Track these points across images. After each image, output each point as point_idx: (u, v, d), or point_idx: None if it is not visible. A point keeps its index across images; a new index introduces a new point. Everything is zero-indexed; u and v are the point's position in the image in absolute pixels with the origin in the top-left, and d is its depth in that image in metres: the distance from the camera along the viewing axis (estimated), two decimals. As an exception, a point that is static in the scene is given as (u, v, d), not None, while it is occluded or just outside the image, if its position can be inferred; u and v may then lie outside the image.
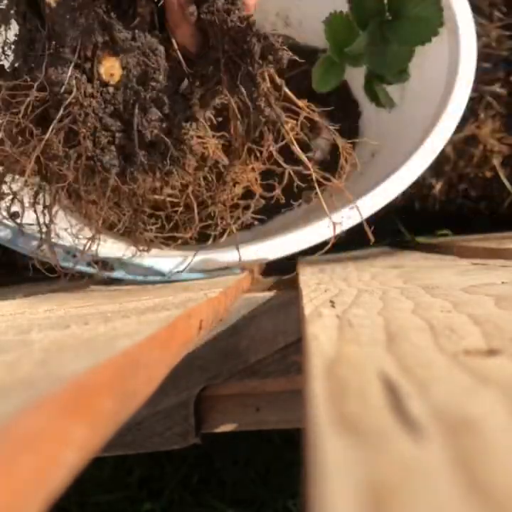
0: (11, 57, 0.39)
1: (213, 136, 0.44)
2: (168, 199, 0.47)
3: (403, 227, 0.80)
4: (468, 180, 0.84)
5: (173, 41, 0.38)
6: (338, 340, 0.19)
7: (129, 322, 0.23)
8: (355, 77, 0.67)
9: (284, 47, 0.37)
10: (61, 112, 0.36)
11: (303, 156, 0.39)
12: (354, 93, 0.78)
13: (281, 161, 0.42)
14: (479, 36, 0.75)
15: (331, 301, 0.28)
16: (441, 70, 0.59)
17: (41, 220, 0.41)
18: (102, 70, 0.37)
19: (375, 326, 0.21)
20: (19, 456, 0.10)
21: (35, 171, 0.38)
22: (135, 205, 0.43)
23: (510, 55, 0.82)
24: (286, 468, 0.80)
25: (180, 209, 0.47)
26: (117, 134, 0.38)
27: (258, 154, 0.44)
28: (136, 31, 0.38)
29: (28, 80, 0.36)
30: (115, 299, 0.37)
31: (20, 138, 0.37)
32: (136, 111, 0.38)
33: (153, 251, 0.52)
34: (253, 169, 0.46)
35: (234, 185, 0.46)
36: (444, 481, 0.09)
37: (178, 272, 0.48)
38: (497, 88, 0.82)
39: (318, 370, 0.15)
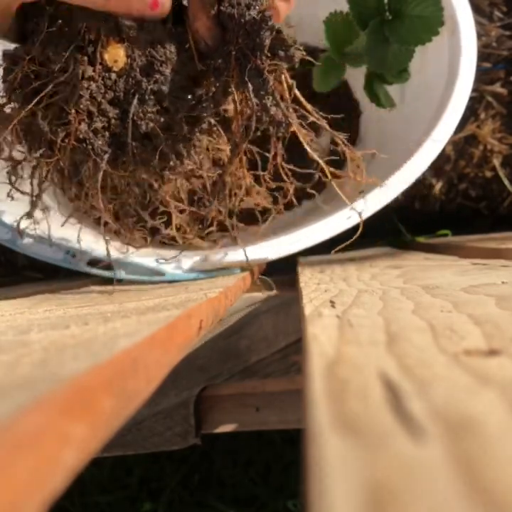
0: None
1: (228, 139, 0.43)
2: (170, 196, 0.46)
3: (403, 227, 0.80)
4: (468, 180, 0.84)
5: (189, 34, 0.38)
6: (338, 340, 0.19)
7: (129, 322, 0.23)
8: (356, 77, 0.67)
9: (297, 45, 0.36)
10: (49, 87, 0.36)
11: (320, 160, 0.38)
12: (355, 93, 0.78)
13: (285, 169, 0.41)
14: (479, 36, 0.75)
15: (331, 301, 0.28)
16: (442, 69, 0.59)
17: (34, 192, 0.42)
18: (106, 55, 0.37)
19: (375, 326, 0.21)
20: (19, 456, 0.10)
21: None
22: (131, 196, 0.43)
23: (510, 55, 0.82)
24: (286, 468, 0.80)
25: (183, 208, 0.47)
26: (113, 121, 0.38)
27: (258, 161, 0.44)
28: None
29: (23, 53, 0.37)
30: (115, 299, 0.37)
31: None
32: (135, 100, 0.37)
33: (154, 251, 0.52)
34: (264, 179, 0.44)
35: (235, 193, 0.45)
36: (444, 480, 0.09)
37: (178, 272, 0.48)
38: (497, 88, 0.82)
39: (318, 370, 0.15)
